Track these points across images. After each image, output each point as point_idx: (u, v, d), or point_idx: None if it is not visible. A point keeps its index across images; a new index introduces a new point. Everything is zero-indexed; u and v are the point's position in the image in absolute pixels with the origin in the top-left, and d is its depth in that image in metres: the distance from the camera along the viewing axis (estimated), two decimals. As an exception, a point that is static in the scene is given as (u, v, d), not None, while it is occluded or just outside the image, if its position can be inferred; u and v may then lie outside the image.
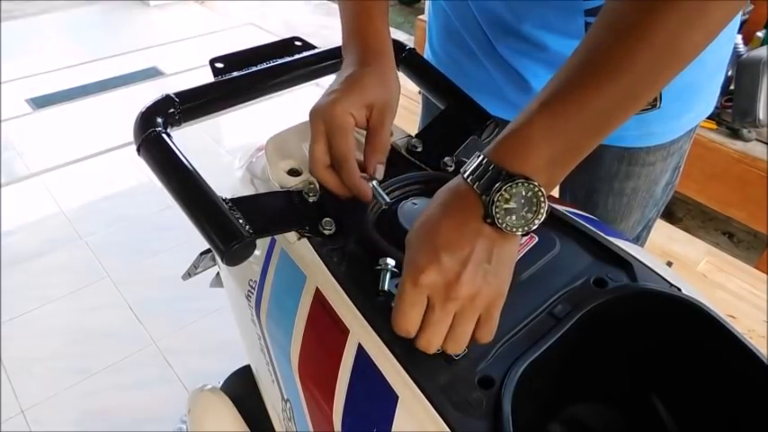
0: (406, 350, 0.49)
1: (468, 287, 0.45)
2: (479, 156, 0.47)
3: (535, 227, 0.46)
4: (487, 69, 0.82)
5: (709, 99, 0.82)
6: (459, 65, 0.86)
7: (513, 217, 0.45)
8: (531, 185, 0.45)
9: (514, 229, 0.46)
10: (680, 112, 0.79)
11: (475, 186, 0.46)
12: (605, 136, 0.47)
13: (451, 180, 0.49)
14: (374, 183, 0.60)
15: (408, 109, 2.46)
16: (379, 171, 0.61)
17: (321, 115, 0.58)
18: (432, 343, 0.47)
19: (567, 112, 0.45)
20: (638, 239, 0.99)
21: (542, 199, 0.46)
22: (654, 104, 0.73)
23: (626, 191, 0.87)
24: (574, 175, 0.80)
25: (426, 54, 0.93)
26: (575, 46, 0.47)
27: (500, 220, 0.45)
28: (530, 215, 0.46)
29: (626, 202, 0.89)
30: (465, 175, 0.47)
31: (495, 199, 0.45)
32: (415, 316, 0.47)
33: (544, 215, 0.46)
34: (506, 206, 0.45)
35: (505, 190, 0.44)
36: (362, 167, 0.60)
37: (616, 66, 0.44)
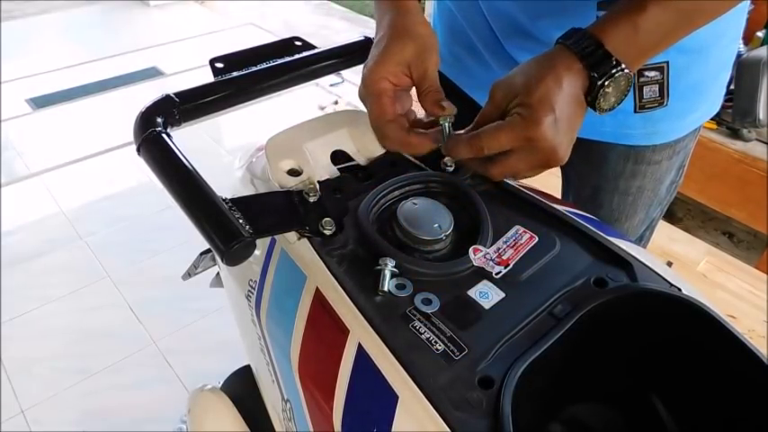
0: (406, 350, 0.49)
1: (561, 152, 0.53)
2: (585, 33, 0.53)
3: (613, 109, 0.55)
4: (493, 69, 0.82)
5: (714, 99, 0.82)
6: (463, 65, 0.86)
7: (604, 99, 0.53)
8: (630, 77, 0.52)
9: (601, 111, 0.54)
10: (686, 110, 0.79)
11: (583, 62, 0.52)
12: (692, 29, 0.55)
13: (552, 53, 0.54)
14: (446, 122, 0.59)
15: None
16: (445, 106, 0.60)
17: (361, 88, 0.64)
18: (500, 174, 0.56)
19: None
20: (642, 239, 0.98)
21: (629, 89, 0.54)
22: (661, 102, 0.74)
23: (631, 190, 0.87)
24: (579, 173, 0.81)
25: None
26: None
27: (600, 100, 0.53)
28: (613, 100, 0.54)
29: (631, 201, 0.89)
30: (571, 50, 0.53)
31: (607, 81, 0.52)
32: (504, 144, 0.53)
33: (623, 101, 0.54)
34: (607, 89, 0.53)
35: (615, 77, 0.52)
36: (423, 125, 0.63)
37: None
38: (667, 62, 0.72)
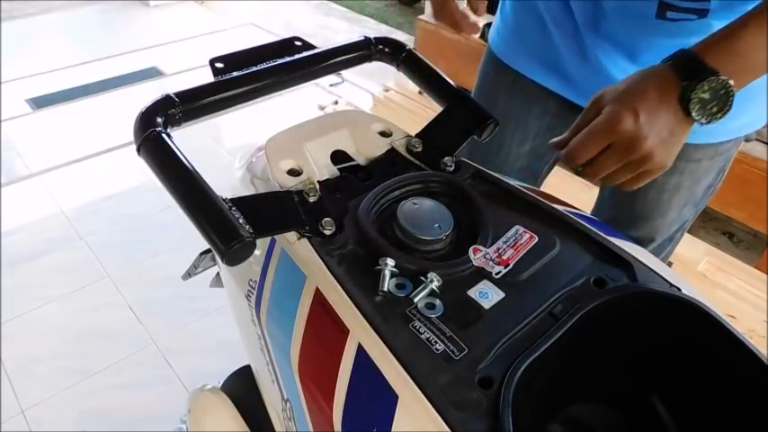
0: (406, 350, 0.49)
1: (648, 148, 0.55)
2: (684, 50, 0.56)
3: (716, 121, 0.56)
4: (553, 40, 0.83)
5: (759, 109, 0.81)
6: (525, 30, 0.87)
7: (700, 106, 0.55)
8: (727, 84, 0.54)
9: (698, 118, 0.55)
10: (729, 114, 0.78)
11: (677, 72, 0.55)
12: None
13: (652, 66, 0.58)
14: None
15: (408, 109, 2.47)
16: None
17: None
18: (596, 175, 0.58)
19: None
20: (672, 240, 0.97)
21: (731, 98, 0.54)
22: None
23: (668, 186, 0.87)
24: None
25: (495, 20, 0.96)
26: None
27: (692, 106, 0.55)
28: (714, 109, 0.55)
29: (666, 198, 0.88)
30: (668, 63, 0.56)
31: (697, 87, 0.54)
32: (593, 150, 0.57)
33: (727, 114, 0.55)
34: (702, 95, 0.54)
35: (707, 83, 0.54)
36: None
37: None
38: None
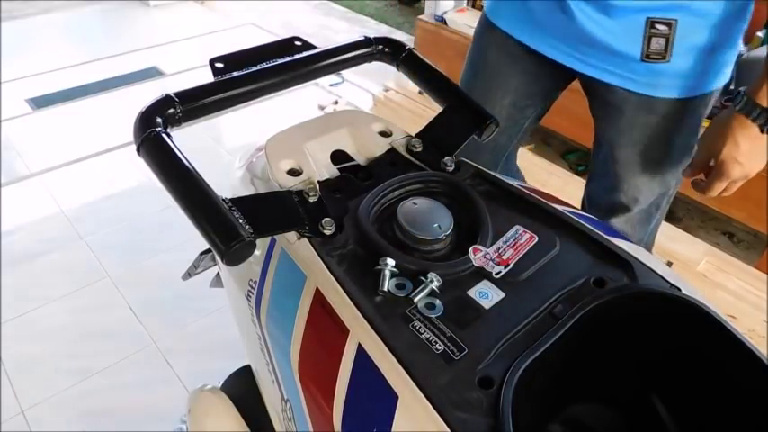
0: (406, 350, 0.49)
1: (745, 177, 0.84)
2: (750, 99, 0.78)
3: None
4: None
5: (718, 69, 0.90)
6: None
7: None
8: None
9: None
10: (688, 71, 0.88)
11: (748, 116, 0.78)
12: None
13: (729, 116, 0.80)
14: None
15: (408, 109, 2.47)
16: None
17: None
18: (713, 193, 0.88)
19: None
20: (659, 208, 1.06)
21: None
22: (664, 56, 0.84)
23: (644, 140, 0.96)
24: (602, 132, 1.04)
25: None
26: None
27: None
28: None
29: (642, 150, 0.97)
30: (738, 110, 0.79)
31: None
32: (721, 187, 0.87)
33: None
34: None
35: None
36: None
37: None
38: (676, 20, 0.81)
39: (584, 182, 1.15)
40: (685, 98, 0.90)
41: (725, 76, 0.92)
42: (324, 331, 0.55)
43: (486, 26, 1.05)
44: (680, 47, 0.84)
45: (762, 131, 0.79)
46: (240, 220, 0.54)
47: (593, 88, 0.97)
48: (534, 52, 0.97)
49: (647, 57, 0.85)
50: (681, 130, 0.95)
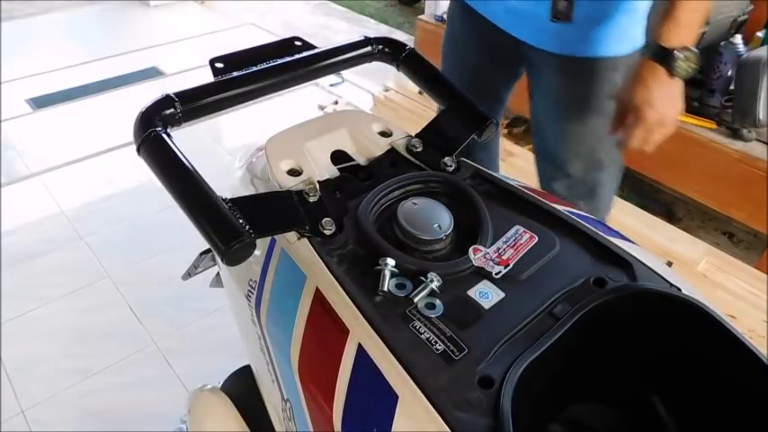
0: (406, 350, 0.49)
1: (658, 119, 0.86)
2: (654, 43, 0.84)
3: (692, 72, 0.84)
4: None
5: (620, 34, 0.96)
6: None
7: (677, 71, 0.84)
8: (689, 49, 0.83)
9: (685, 75, 0.84)
10: (591, 33, 0.96)
11: (657, 61, 0.84)
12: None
13: (639, 62, 0.86)
14: None
15: (408, 109, 2.47)
16: None
17: None
18: (634, 144, 0.89)
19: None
20: (601, 185, 1.11)
21: (697, 53, 0.83)
22: (568, 18, 0.92)
23: (560, 100, 1.04)
24: (531, 96, 1.12)
25: None
26: None
27: (676, 74, 0.84)
28: (687, 66, 0.83)
29: (561, 111, 1.05)
30: (648, 57, 0.85)
31: (679, 68, 0.83)
32: (640, 140, 0.88)
33: (696, 65, 0.84)
34: (681, 65, 0.83)
35: (677, 59, 0.83)
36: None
37: None
38: None
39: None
40: (592, 59, 0.97)
41: (630, 42, 0.97)
42: (324, 331, 0.55)
43: (457, 2, 1.15)
44: (580, 9, 0.91)
45: (670, 75, 0.84)
46: (240, 220, 0.54)
47: (524, 53, 1.05)
48: (496, 27, 1.06)
49: (554, 17, 0.93)
50: (592, 90, 1.00)
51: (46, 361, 1.54)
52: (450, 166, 0.68)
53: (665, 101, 0.85)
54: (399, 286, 0.54)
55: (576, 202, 1.09)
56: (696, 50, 0.83)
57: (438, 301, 0.53)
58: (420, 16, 2.65)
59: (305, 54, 0.75)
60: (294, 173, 0.66)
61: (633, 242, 0.63)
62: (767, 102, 1.63)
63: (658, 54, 0.83)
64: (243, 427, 0.87)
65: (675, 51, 0.82)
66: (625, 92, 0.88)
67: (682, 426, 0.59)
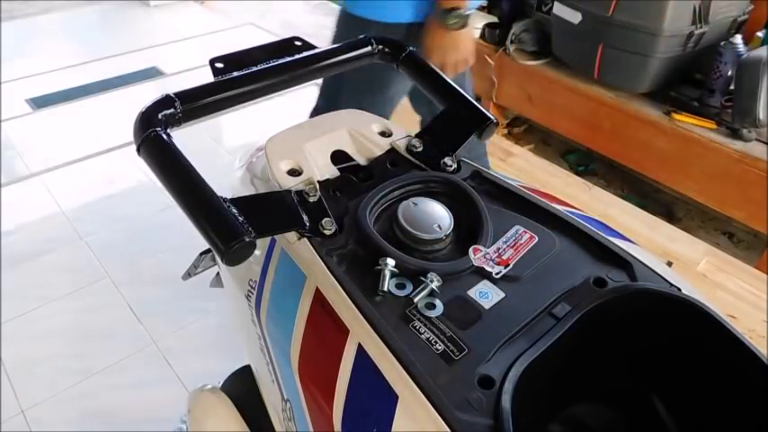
0: (406, 350, 0.49)
1: (442, 57, 1.16)
2: (439, 6, 1.11)
3: (463, 22, 1.12)
4: None
5: (382, 5, 1.15)
6: None
7: (450, 24, 1.12)
8: (457, 8, 1.11)
9: (455, 27, 1.12)
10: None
11: (442, 21, 1.12)
12: None
13: (431, 25, 1.13)
14: None
15: (408, 109, 2.46)
16: None
17: None
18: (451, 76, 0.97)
19: None
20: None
21: (465, 13, 1.12)
22: None
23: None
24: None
25: None
26: None
27: (449, 26, 1.12)
28: (456, 20, 1.11)
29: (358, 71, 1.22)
30: (436, 18, 1.12)
31: (450, 21, 1.12)
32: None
33: (466, 18, 1.13)
34: (452, 20, 1.11)
35: (452, 15, 1.11)
36: None
37: None
38: None
39: (585, 182, 1.17)
40: (368, 20, 1.17)
41: (394, 13, 1.16)
42: (324, 331, 0.55)
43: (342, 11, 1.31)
44: None
45: (445, 28, 1.12)
46: (240, 220, 0.54)
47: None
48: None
49: None
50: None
51: (46, 361, 1.54)
52: (451, 166, 0.68)
53: (445, 47, 1.15)
54: (399, 286, 0.54)
55: None
56: (464, 10, 1.11)
57: (438, 301, 0.53)
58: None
59: (305, 54, 0.75)
60: (294, 173, 0.66)
61: (633, 242, 0.63)
62: (767, 102, 1.63)
63: (438, 12, 1.11)
64: (243, 427, 0.87)
65: (450, 11, 1.10)
66: (424, 44, 1.16)
67: (681, 426, 0.59)
